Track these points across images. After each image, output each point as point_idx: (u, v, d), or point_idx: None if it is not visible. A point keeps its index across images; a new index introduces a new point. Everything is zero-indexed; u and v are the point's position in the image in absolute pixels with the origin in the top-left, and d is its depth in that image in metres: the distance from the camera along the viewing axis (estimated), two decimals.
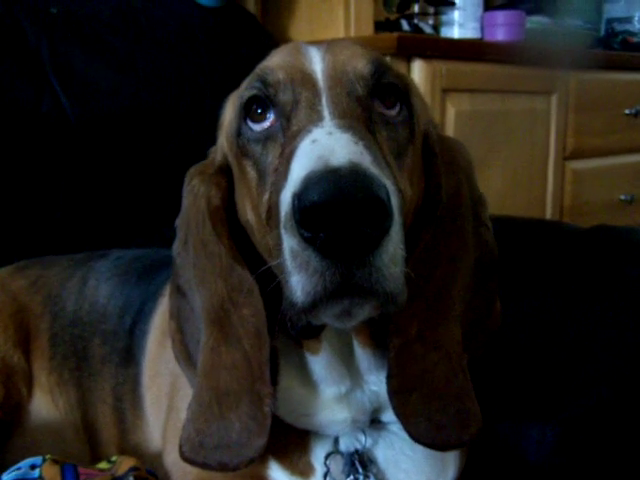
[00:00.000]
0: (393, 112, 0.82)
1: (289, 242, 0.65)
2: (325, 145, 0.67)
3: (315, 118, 0.73)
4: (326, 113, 0.74)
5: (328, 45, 0.85)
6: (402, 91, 0.83)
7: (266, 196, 0.77)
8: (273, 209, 0.73)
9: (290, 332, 0.76)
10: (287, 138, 0.76)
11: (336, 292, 0.64)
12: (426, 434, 0.82)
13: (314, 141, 0.68)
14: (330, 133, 0.69)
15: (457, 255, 0.87)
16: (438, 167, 0.88)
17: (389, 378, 0.82)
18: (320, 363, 0.87)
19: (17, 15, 1.67)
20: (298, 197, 0.62)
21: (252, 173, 0.81)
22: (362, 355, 0.87)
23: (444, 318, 0.85)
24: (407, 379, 0.82)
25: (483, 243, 0.91)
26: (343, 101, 0.76)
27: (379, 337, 0.86)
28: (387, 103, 0.81)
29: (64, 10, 1.76)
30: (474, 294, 0.90)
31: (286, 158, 0.72)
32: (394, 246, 0.65)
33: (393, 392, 0.82)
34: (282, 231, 0.67)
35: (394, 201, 0.65)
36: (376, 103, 0.81)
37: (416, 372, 0.82)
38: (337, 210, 0.59)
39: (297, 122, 0.76)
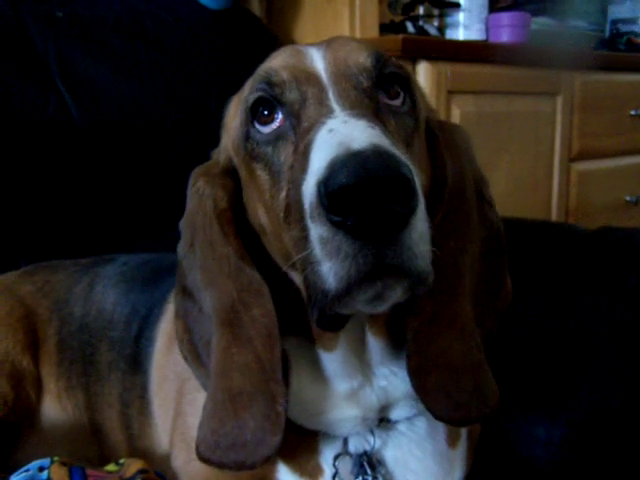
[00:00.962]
0: (397, 102, 0.83)
1: (317, 230, 0.65)
2: (343, 132, 0.67)
3: (326, 111, 0.74)
4: (336, 106, 0.75)
5: (327, 43, 0.86)
6: (404, 80, 0.84)
7: (283, 194, 0.77)
8: (292, 205, 0.73)
9: (316, 325, 0.75)
10: (299, 135, 0.76)
11: (369, 274, 0.64)
12: (446, 410, 0.83)
13: (331, 130, 0.69)
14: (345, 122, 0.70)
15: (465, 234, 0.88)
16: (441, 151, 0.89)
17: (408, 358, 0.83)
18: (335, 359, 0.87)
19: (24, 19, 1.68)
20: (324, 183, 0.63)
21: (264, 176, 0.81)
22: (375, 346, 0.88)
23: (456, 296, 0.85)
24: (425, 359, 0.83)
25: (488, 220, 0.92)
26: (350, 94, 0.77)
27: (392, 326, 0.87)
28: (391, 93, 0.82)
29: (70, 14, 1.76)
30: (483, 271, 0.91)
31: (302, 152, 0.72)
32: (422, 224, 0.66)
33: (412, 372, 0.83)
34: (308, 221, 0.67)
35: (417, 180, 0.66)
36: (381, 94, 0.81)
37: (434, 351, 0.83)
38: (365, 191, 0.60)
39: (308, 118, 0.76)
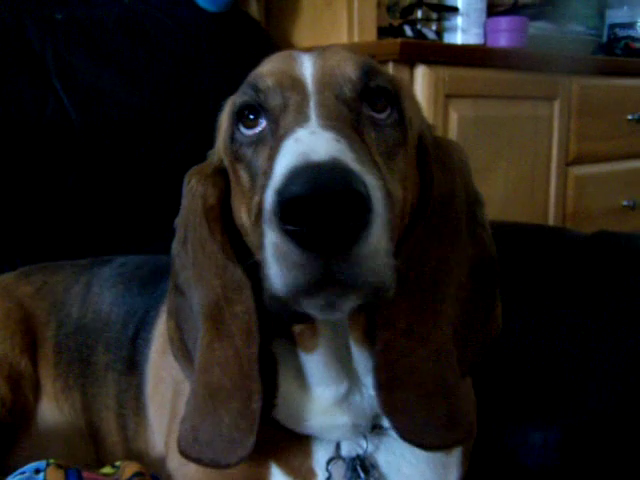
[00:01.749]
0: (383, 115, 0.82)
1: (270, 236, 0.65)
2: (307, 143, 0.68)
3: (301, 120, 0.74)
4: (312, 115, 0.75)
5: (320, 51, 0.86)
6: (392, 95, 0.83)
7: (256, 198, 0.78)
8: (261, 210, 0.74)
9: (285, 320, 0.76)
10: (274, 141, 0.77)
11: (316, 285, 0.64)
12: (413, 432, 0.82)
13: (297, 140, 0.69)
14: (313, 132, 0.70)
15: (449, 253, 0.87)
16: (431, 167, 0.88)
17: (375, 370, 0.82)
18: (316, 361, 0.87)
19: (23, 21, 1.68)
20: (279, 192, 0.63)
21: (245, 177, 0.83)
22: (359, 354, 0.87)
23: (434, 315, 0.84)
24: (394, 374, 0.82)
25: (480, 243, 0.91)
26: (330, 104, 0.77)
27: (375, 336, 0.86)
28: (378, 106, 0.82)
29: (69, 16, 1.76)
30: (470, 295, 0.89)
31: (271, 158, 0.73)
32: (377, 239, 0.65)
33: (379, 386, 0.82)
34: (264, 226, 0.67)
35: (376, 195, 0.66)
36: (365, 106, 0.81)
37: (403, 366, 0.82)
38: (316, 203, 0.60)
39: (284, 125, 0.77)
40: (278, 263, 0.65)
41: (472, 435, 0.85)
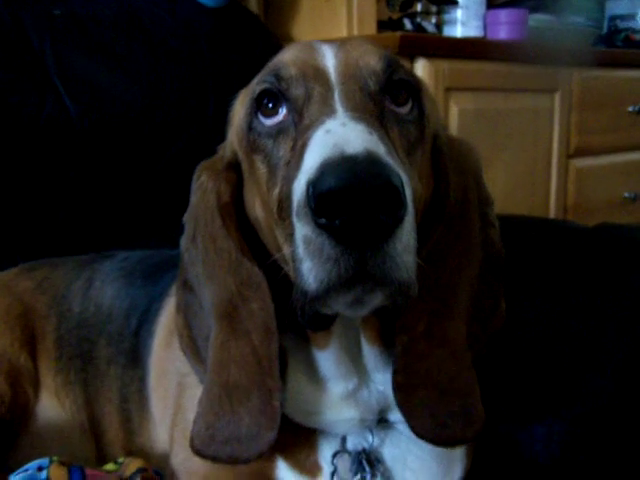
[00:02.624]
0: (404, 110, 0.82)
1: (302, 230, 0.65)
2: (340, 134, 0.67)
3: (328, 111, 0.74)
4: (338, 107, 0.74)
5: (341, 43, 0.86)
6: (414, 89, 0.83)
7: (277, 190, 0.77)
8: (284, 201, 0.73)
9: (300, 322, 0.75)
10: (299, 131, 0.76)
11: (350, 279, 0.64)
12: (429, 430, 0.83)
13: (328, 131, 0.69)
14: (344, 124, 0.69)
15: (464, 253, 0.88)
16: (446, 167, 0.88)
17: (394, 374, 0.83)
18: (328, 358, 0.87)
19: (21, 17, 1.67)
20: (313, 184, 0.62)
21: (262, 168, 0.82)
22: (369, 352, 0.88)
23: (451, 315, 0.85)
24: (413, 375, 0.83)
25: (490, 242, 0.92)
26: (356, 96, 0.77)
27: (387, 335, 0.87)
28: (399, 100, 0.82)
29: (67, 12, 1.75)
30: (479, 292, 0.90)
31: (299, 150, 0.72)
32: (407, 236, 0.65)
33: (398, 388, 0.82)
34: (294, 219, 0.67)
35: (408, 191, 0.66)
36: (387, 100, 0.81)
37: (422, 369, 0.83)
38: (353, 196, 0.60)
39: (309, 115, 0.76)
40: (311, 258, 0.64)
41: (481, 429, 0.85)
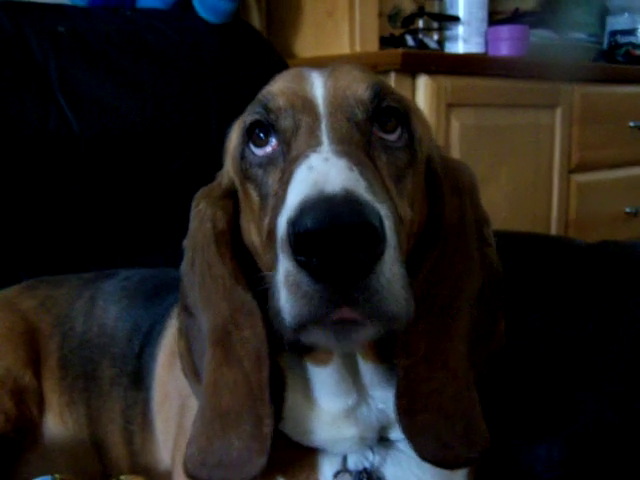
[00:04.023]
0: (393, 137, 0.83)
1: (284, 264, 0.66)
2: (320, 171, 0.68)
3: (314, 143, 0.75)
4: (325, 138, 0.75)
5: (331, 70, 0.86)
6: (403, 115, 0.84)
7: (267, 219, 0.78)
8: (272, 232, 0.74)
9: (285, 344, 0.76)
10: (287, 163, 0.77)
11: (325, 316, 0.65)
12: (434, 452, 0.83)
13: (310, 167, 0.70)
14: (326, 159, 0.70)
15: (462, 275, 0.88)
16: (442, 188, 0.89)
17: (397, 398, 0.83)
18: (327, 375, 0.87)
19: (25, 33, 1.69)
20: (292, 223, 0.64)
21: (254, 196, 0.83)
22: (366, 370, 0.88)
23: (451, 337, 0.85)
24: (415, 399, 0.83)
25: (487, 262, 0.92)
26: (342, 127, 0.78)
27: (384, 352, 0.87)
28: (387, 127, 0.83)
29: (71, 29, 1.77)
30: (479, 312, 0.90)
31: (284, 183, 0.73)
32: (389, 269, 0.66)
33: (402, 412, 0.83)
34: (279, 252, 0.68)
35: (388, 225, 0.66)
36: (376, 128, 0.82)
37: (424, 392, 0.83)
38: (329, 237, 0.61)
39: (296, 147, 0.77)
40: (289, 290, 0.65)
41: (486, 448, 0.86)
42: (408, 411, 0.83)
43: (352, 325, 0.67)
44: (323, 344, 0.72)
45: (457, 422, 0.84)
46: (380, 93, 0.82)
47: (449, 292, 0.86)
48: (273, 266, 0.71)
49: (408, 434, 0.83)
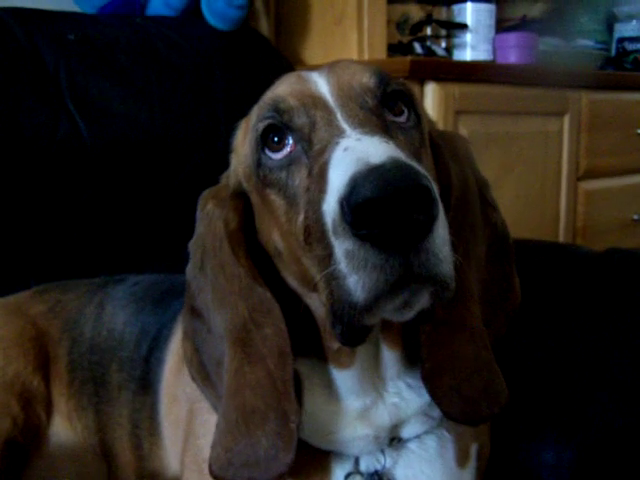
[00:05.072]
0: (402, 118, 0.84)
1: (343, 245, 0.66)
2: (359, 149, 0.69)
3: (337, 132, 0.75)
4: (345, 126, 0.76)
5: (328, 68, 0.87)
6: (408, 97, 0.86)
7: (301, 217, 0.78)
8: (312, 226, 0.74)
9: (339, 341, 0.76)
10: (312, 157, 0.78)
11: (397, 283, 0.65)
12: (460, 412, 0.85)
13: (346, 149, 0.70)
14: (359, 139, 0.71)
15: (470, 238, 0.90)
16: (446, 160, 0.91)
17: (422, 362, 0.85)
18: (350, 376, 0.88)
19: (35, 42, 1.70)
20: (347, 199, 0.64)
21: (279, 201, 0.82)
22: (390, 358, 0.89)
23: (464, 300, 0.87)
24: (438, 362, 0.85)
25: (492, 223, 0.95)
26: (358, 113, 0.79)
27: (406, 335, 0.89)
28: (396, 110, 0.84)
29: (82, 36, 1.78)
30: (490, 273, 0.93)
31: (318, 173, 0.74)
32: (443, 230, 0.67)
33: (426, 375, 0.85)
34: (332, 238, 0.68)
35: (435, 187, 0.67)
36: (386, 112, 0.83)
37: (445, 354, 0.85)
38: (389, 202, 0.61)
39: (320, 140, 0.77)
40: (356, 270, 0.65)
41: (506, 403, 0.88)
42: (433, 374, 0.85)
43: (414, 291, 0.68)
44: (388, 317, 0.73)
45: (478, 381, 0.86)
46: (384, 79, 0.84)
47: (460, 255, 0.87)
48: (319, 263, 0.72)
49: (435, 396, 0.85)
